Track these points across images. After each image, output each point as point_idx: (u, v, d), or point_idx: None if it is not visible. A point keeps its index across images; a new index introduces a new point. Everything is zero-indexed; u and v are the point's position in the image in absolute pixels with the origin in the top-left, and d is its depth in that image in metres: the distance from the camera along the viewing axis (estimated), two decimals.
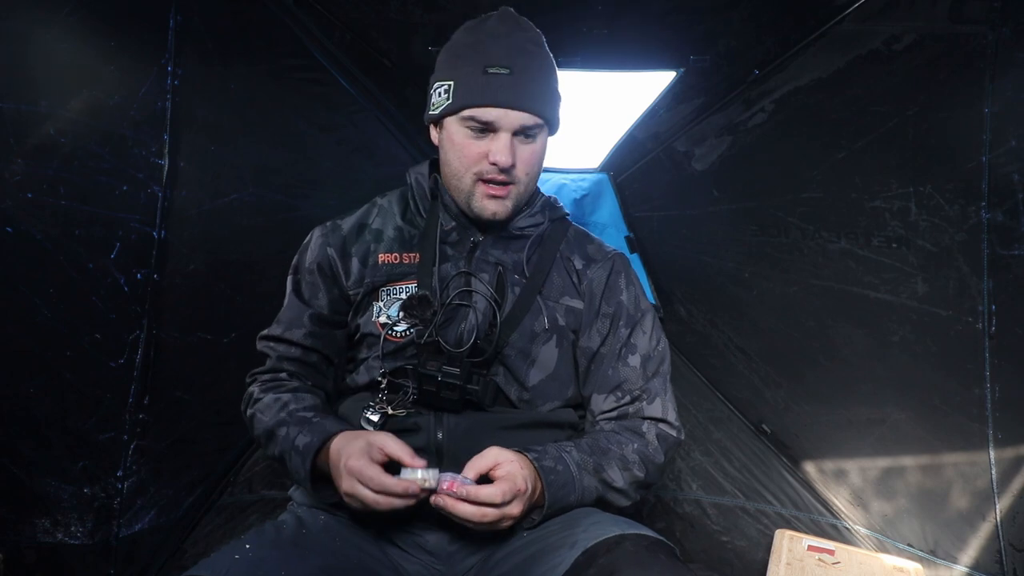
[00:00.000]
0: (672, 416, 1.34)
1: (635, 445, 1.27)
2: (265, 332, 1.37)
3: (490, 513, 1.06)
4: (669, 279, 2.31)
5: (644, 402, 1.33)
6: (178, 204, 1.60)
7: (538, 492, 1.14)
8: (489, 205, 1.27)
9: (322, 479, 1.16)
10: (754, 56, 1.70)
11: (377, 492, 1.05)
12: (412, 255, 1.34)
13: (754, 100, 1.78)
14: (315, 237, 1.39)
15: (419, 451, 1.22)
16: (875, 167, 1.62)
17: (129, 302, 1.57)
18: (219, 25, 1.57)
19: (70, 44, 1.41)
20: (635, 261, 2.30)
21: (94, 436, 1.60)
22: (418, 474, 1.06)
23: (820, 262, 1.80)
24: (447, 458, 1.23)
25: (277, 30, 1.66)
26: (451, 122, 1.26)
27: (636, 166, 2.21)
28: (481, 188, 1.27)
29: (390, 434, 1.12)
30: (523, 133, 1.24)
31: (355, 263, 1.34)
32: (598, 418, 1.35)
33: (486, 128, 1.23)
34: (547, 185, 2.30)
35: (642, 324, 1.38)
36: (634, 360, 1.35)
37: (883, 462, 1.83)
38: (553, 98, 1.28)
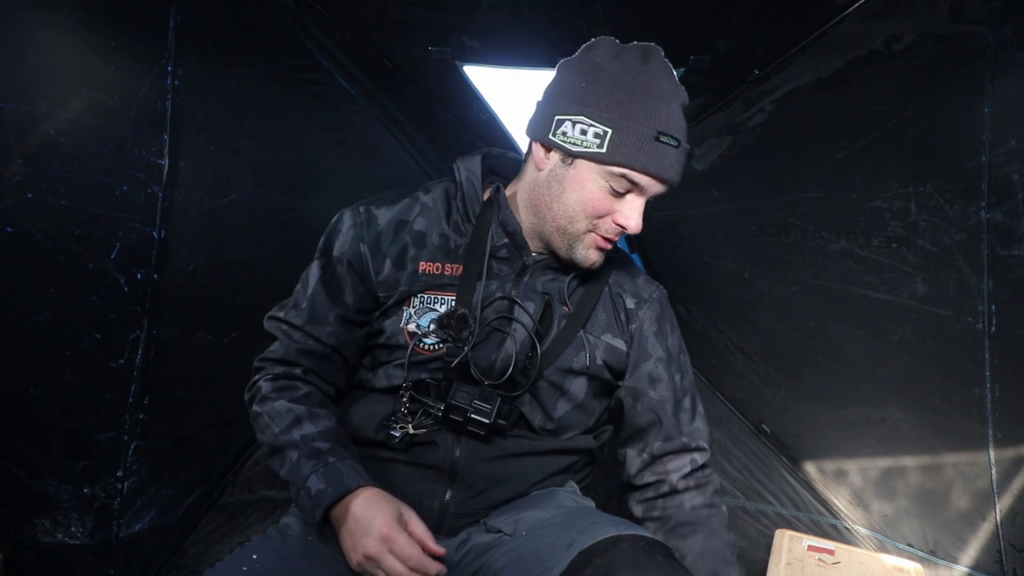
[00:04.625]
0: (706, 443, 1.37)
1: (728, 537, 1.29)
2: (281, 314, 1.26)
3: None
4: (669, 279, 2.30)
5: (696, 453, 1.33)
6: (178, 204, 1.60)
7: None
8: (592, 255, 1.23)
9: (328, 523, 1.13)
10: (754, 56, 1.69)
11: (410, 569, 1.03)
12: (455, 267, 1.24)
13: (754, 100, 1.77)
14: (346, 225, 1.26)
15: (433, 468, 1.21)
16: (875, 167, 1.61)
17: (129, 302, 1.57)
18: (219, 25, 1.57)
19: (70, 44, 1.41)
20: (635, 261, 2.30)
21: (94, 436, 1.60)
22: None
23: (820, 262, 1.79)
24: (460, 476, 1.21)
25: (277, 30, 1.66)
26: (590, 168, 1.15)
27: None
28: (592, 237, 1.21)
29: (414, 512, 1.10)
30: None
31: (388, 264, 1.23)
32: (671, 476, 1.32)
33: (628, 189, 1.17)
34: None
35: (685, 365, 1.40)
36: (687, 403, 1.36)
37: (883, 462, 1.83)
38: None
